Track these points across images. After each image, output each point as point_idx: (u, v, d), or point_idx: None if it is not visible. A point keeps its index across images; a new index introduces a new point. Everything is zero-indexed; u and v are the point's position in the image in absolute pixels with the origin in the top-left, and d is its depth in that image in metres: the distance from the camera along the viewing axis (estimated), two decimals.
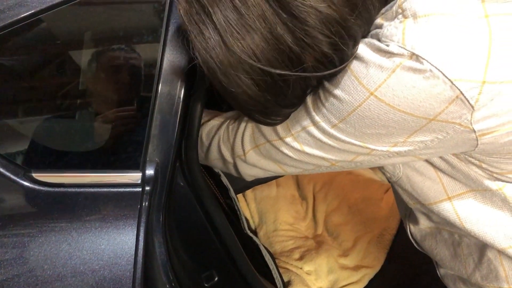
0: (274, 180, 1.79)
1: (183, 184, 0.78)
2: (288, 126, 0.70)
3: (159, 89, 0.69)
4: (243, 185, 1.58)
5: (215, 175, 1.06)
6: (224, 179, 1.04)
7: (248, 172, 0.82)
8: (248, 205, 1.69)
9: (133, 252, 0.65)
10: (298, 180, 1.79)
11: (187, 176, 0.77)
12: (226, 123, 0.82)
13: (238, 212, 1.04)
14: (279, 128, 0.71)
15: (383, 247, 1.42)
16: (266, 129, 0.73)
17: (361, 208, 1.57)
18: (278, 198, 1.70)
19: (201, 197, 0.78)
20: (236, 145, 0.78)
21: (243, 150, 0.78)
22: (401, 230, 1.46)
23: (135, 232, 0.66)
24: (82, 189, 0.69)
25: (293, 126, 0.69)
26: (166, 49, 0.69)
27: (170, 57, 0.69)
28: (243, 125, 0.78)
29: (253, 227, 1.65)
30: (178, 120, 0.71)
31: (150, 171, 0.70)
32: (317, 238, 1.56)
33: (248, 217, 1.68)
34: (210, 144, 0.83)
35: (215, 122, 0.85)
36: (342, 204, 1.63)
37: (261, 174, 0.82)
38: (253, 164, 0.78)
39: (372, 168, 1.88)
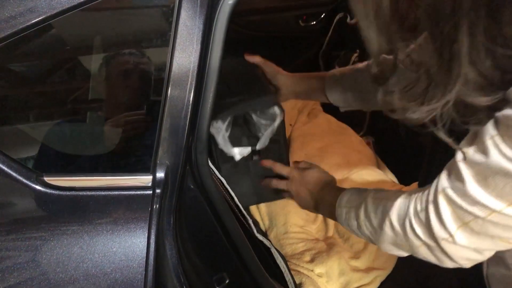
0: None
1: (193, 187, 0.78)
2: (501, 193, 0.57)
3: (169, 92, 0.70)
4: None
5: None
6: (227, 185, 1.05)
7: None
8: (258, 208, 1.69)
9: (145, 255, 0.66)
10: None
11: (197, 179, 0.77)
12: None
13: (244, 217, 1.04)
14: (486, 198, 0.58)
15: None
16: (470, 204, 0.60)
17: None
18: (288, 200, 1.69)
19: (211, 200, 0.79)
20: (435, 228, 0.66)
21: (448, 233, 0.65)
22: None
23: (146, 234, 0.67)
24: (93, 193, 0.69)
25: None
26: (175, 53, 0.69)
27: (179, 61, 0.69)
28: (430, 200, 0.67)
29: (263, 229, 1.64)
30: (187, 123, 0.71)
31: (160, 174, 0.70)
32: (328, 240, 1.55)
33: (258, 219, 1.67)
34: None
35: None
36: None
37: (479, 258, 0.67)
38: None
39: (383, 168, 1.87)
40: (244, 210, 1.17)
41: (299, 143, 2.00)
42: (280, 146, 1.18)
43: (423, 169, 1.48)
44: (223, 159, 1.12)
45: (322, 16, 2.29)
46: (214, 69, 0.73)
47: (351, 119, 2.11)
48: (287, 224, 1.60)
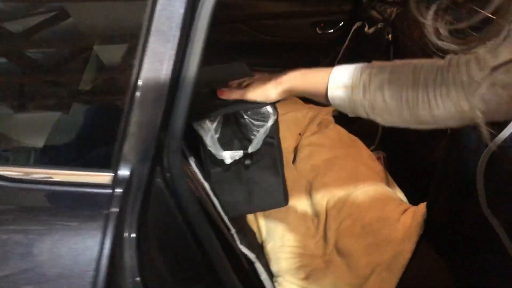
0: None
1: (164, 189, 0.70)
2: None
3: (140, 80, 0.63)
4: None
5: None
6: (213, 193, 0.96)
7: None
8: (256, 218, 1.60)
9: (96, 266, 0.58)
10: (311, 193, 1.70)
11: (168, 181, 0.70)
12: None
13: (227, 227, 0.96)
14: None
15: (394, 273, 1.30)
16: None
17: (375, 229, 1.46)
18: (288, 212, 1.60)
19: (183, 205, 0.71)
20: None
21: None
22: (416, 254, 1.35)
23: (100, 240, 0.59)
24: (43, 186, 0.62)
25: None
26: (150, 37, 0.62)
27: (154, 47, 0.62)
28: None
29: (259, 241, 1.56)
30: (160, 117, 0.64)
31: (123, 172, 0.63)
32: (326, 257, 1.46)
33: (256, 230, 1.59)
34: None
35: None
36: (355, 223, 1.52)
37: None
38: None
39: (392, 186, 1.77)
40: (239, 219, 1.09)
41: (307, 153, 1.91)
42: (274, 149, 1.10)
43: (433, 190, 1.37)
44: (213, 163, 1.05)
45: (340, 24, 2.22)
46: (195, 56, 0.65)
47: (363, 132, 2.01)
48: (284, 237, 1.52)
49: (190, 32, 0.65)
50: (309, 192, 1.70)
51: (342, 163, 1.82)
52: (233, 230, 0.97)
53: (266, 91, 0.95)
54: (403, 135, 1.85)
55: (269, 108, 1.02)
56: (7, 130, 0.68)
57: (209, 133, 0.96)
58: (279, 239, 1.51)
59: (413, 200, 1.68)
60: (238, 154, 1.03)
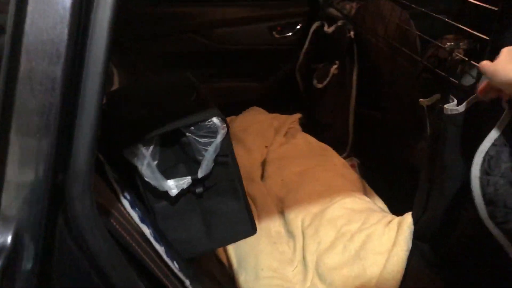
0: (256, 212, 1.52)
1: (75, 251, 0.51)
2: None
3: (17, 91, 0.43)
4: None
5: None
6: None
7: None
8: (224, 247, 1.42)
9: None
10: (284, 212, 1.52)
11: (76, 236, 0.50)
12: None
13: (178, 279, 0.77)
14: None
15: None
16: None
17: (359, 246, 1.30)
18: (259, 236, 1.42)
19: (104, 269, 0.52)
20: None
21: None
22: (408, 272, 1.19)
23: None
24: None
25: None
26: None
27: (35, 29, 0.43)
28: None
29: (230, 274, 1.37)
30: (52, 147, 0.45)
31: (2, 238, 0.44)
32: (307, 285, 1.28)
33: (224, 261, 1.40)
34: None
35: None
36: (336, 242, 1.35)
37: None
38: None
39: (370, 195, 1.62)
40: (199, 257, 0.90)
41: (276, 167, 1.74)
42: (229, 169, 0.91)
43: (419, 198, 1.22)
44: (156, 197, 0.86)
45: (298, 26, 2.08)
46: (94, 77, 0.47)
47: (333, 139, 1.86)
48: (257, 267, 1.33)
49: (83, 53, 0.47)
50: (281, 210, 1.53)
51: (314, 174, 1.66)
52: (187, 282, 0.78)
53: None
54: (376, 139, 1.71)
55: (215, 120, 0.83)
56: None
57: (145, 160, 0.78)
58: (252, 270, 1.33)
59: (394, 208, 1.54)
60: (186, 181, 0.85)
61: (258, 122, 2.06)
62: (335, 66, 1.78)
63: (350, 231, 1.37)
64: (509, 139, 0.87)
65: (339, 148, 1.82)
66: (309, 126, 2.00)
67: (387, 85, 1.56)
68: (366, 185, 1.69)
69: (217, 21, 2.00)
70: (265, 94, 2.22)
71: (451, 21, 1.08)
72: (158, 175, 0.80)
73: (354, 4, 1.69)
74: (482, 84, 0.87)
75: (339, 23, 1.74)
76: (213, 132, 0.82)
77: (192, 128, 0.82)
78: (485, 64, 0.85)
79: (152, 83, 0.98)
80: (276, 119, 2.09)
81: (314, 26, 1.97)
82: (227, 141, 0.85)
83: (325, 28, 1.87)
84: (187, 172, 0.86)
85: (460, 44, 1.06)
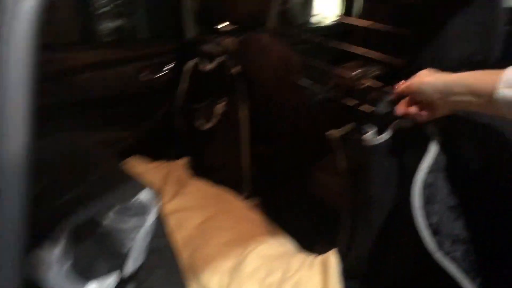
0: None
1: None
2: None
3: None
4: None
5: None
6: None
7: None
8: None
9: None
10: (197, 276, 1.33)
11: None
12: None
13: None
14: None
15: None
16: None
17: None
18: None
19: None
20: None
21: None
22: None
23: None
24: None
25: None
26: None
27: None
28: None
29: None
30: None
31: None
32: None
33: None
34: None
35: None
36: None
37: None
38: None
39: (277, 235, 1.53)
40: None
41: (174, 224, 1.53)
42: (166, 257, 0.72)
43: (342, 232, 1.17)
44: None
45: (168, 66, 1.94)
46: None
47: (228, 180, 1.74)
48: None
49: None
50: (194, 275, 1.33)
51: (219, 224, 1.51)
52: None
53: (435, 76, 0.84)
54: (276, 175, 1.65)
55: (142, 197, 0.64)
56: None
57: (52, 267, 0.55)
58: None
59: (305, 244, 1.47)
60: (110, 282, 0.63)
61: (140, 175, 1.83)
62: (221, 104, 1.68)
63: (275, 282, 1.25)
64: (443, 163, 0.87)
65: (237, 189, 1.71)
66: (200, 170, 1.84)
67: (281, 119, 1.51)
68: (273, 225, 1.61)
69: (78, 67, 1.75)
70: (141, 141, 2.00)
71: (356, 49, 1.07)
72: (74, 279, 0.57)
73: (234, 39, 1.62)
74: (400, 87, 0.91)
75: (220, 59, 1.65)
76: (140, 212, 0.63)
77: (111, 213, 0.61)
78: (406, 83, 0.90)
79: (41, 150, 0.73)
80: (160, 168, 1.88)
81: (188, 65, 1.85)
82: (160, 219, 0.67)
83: (202, 66, 1.76)
84: (111, 268, 0.64)
85: (368, 72, 1.05)
